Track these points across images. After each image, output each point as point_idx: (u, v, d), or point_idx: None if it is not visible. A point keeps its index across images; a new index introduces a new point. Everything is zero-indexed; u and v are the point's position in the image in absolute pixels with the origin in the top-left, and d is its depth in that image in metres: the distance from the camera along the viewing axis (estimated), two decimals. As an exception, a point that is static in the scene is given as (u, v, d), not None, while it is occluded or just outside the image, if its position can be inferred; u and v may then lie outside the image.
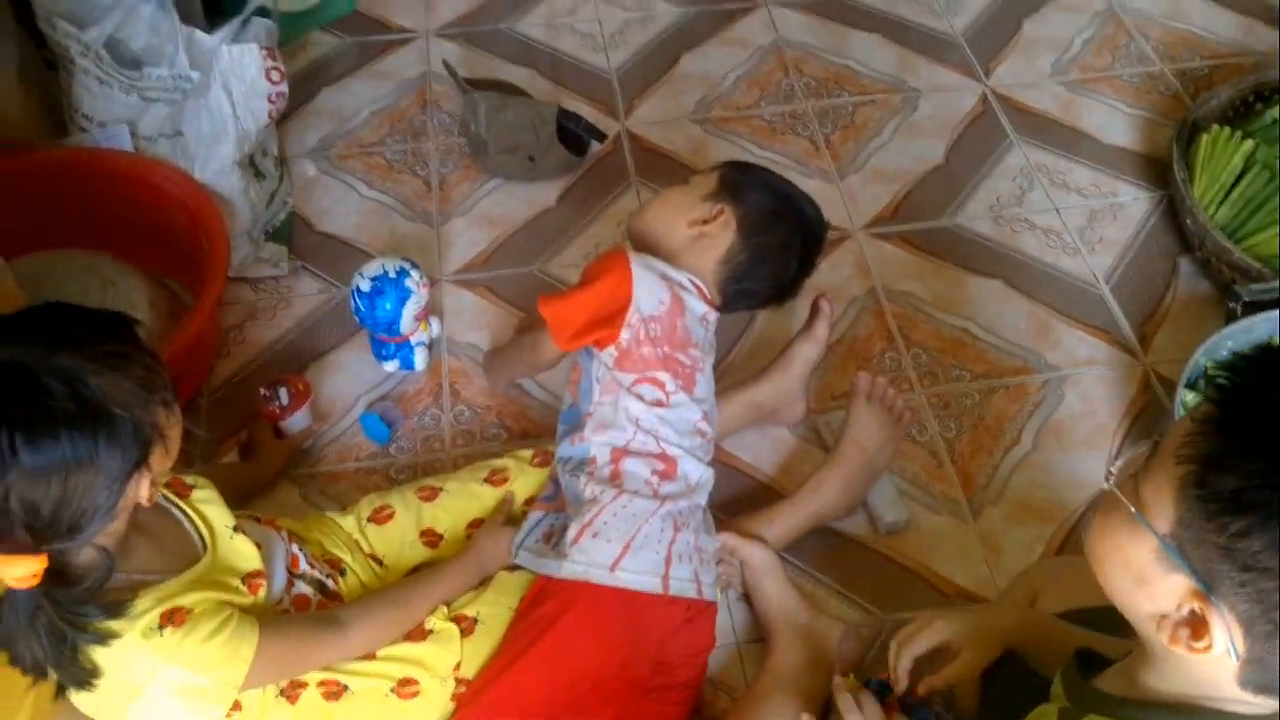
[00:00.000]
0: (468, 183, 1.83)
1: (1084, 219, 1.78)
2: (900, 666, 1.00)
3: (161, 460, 0.94)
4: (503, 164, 1.80)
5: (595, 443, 1.20)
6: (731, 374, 1.55)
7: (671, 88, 2.01)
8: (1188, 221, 1.68)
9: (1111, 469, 0.75)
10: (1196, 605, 0.67)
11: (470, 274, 1.70)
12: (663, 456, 1.21)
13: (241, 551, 1.08)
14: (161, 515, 1.06)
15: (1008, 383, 1.56)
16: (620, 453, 1.19)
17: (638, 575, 1.14)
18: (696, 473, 1.23)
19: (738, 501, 1.42)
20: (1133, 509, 0.69)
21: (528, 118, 1.78)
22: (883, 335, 1.62)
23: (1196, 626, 0.68)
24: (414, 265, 1.48)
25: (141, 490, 0.92)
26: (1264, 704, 0.71)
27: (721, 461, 1.46)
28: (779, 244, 1.32)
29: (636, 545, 1.15)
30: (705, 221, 1.30)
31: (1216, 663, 0.69)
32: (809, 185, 1.80)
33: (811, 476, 1.37)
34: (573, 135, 1.81)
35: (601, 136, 1.85)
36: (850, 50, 2.08)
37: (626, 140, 1.91)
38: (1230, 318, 1.51)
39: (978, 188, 1.83)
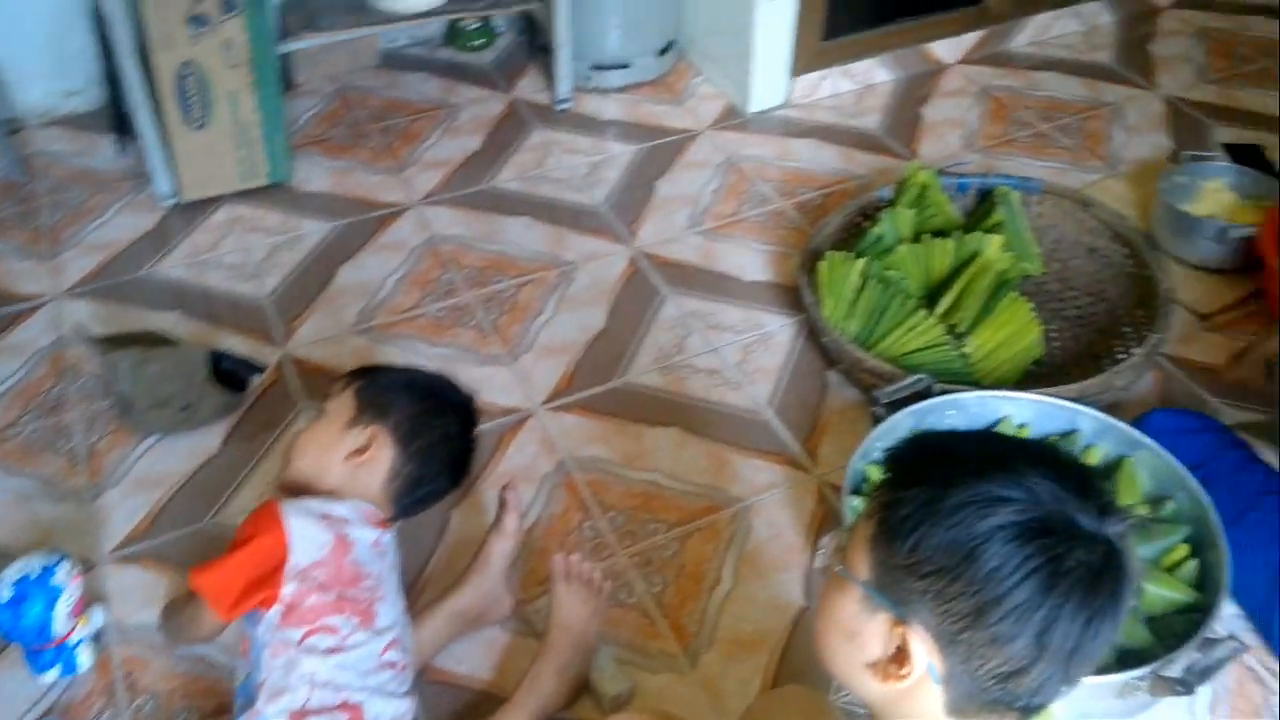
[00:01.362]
0: (119, 448, 1.71)
1: (739, 354, 1.91)
2: None
3: None
4: (155, 419, 1.70)
5: (270, 714, 1.11)
6: (432, 586, 1.51)
7: (330, 303, 2.00)
8: (825, 340, 1.84)
9: (820, 548, 0.84)
10: (899, 637, 0.78)
11: (133, 547, 1.57)
12: (345, 706, 1.13)
13: None
14: None
15: (700, 524, 1.62)
16: (299, 717, 1.11)
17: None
18: (389, 710, 1.16)
19: (462, 718, 1.37)
20: (838, 566, 0.83)
21: (176, 366, 1.70)
22: (578, 506, 1.64)
23: (902, 658, 0.78)
24: (61, 557, 1.36)
25: None
26: None
27: (436, 681, 1.40)
28: (440, 439, 1.32)
29: (330, 813, 1.07)
30: (361, 451, 1.27)
31: (927, 695, 0.79)
32: (483, 372, 1.84)
33: (526, 674, 1.35)
34: (229, 374, 1.75)
35: (261, 368, 1.80)
36: (503, 236, 2.17)
37: (290, 366, 1.87)
38: (876, 420, 1.64)
39: (641, 344, 1.93)
